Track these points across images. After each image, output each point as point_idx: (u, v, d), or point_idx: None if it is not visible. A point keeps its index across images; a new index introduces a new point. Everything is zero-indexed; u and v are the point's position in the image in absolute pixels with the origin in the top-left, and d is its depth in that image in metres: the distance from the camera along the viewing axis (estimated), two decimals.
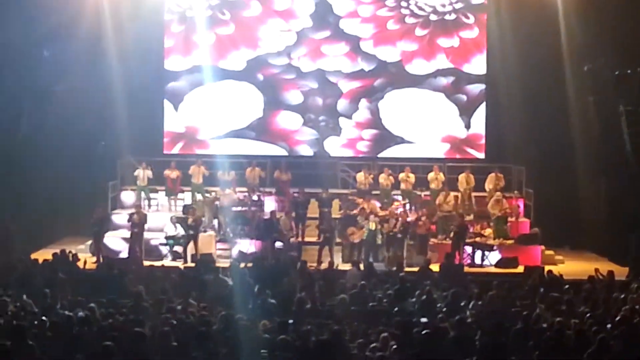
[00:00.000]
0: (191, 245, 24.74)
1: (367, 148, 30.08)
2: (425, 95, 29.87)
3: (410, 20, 29.80)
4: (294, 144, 30.18)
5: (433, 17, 29.77)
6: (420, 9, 29.76)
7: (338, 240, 25.36)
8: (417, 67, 29.83)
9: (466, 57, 29.82)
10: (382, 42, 29.92)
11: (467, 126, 29.85)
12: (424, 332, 13.88)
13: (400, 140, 29.93)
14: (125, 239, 25.14)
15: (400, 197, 27.22)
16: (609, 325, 15.02)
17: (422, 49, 29.82)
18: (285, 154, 29.94)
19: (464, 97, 29.86)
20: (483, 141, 29.87)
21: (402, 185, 27.40)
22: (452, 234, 25.01)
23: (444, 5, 29.72)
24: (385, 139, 30.00)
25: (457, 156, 29.73)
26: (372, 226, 24.67)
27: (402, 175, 27.42)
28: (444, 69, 29.80)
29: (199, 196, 27.23)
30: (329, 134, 29.98)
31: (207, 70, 29.77)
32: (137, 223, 24.80)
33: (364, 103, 29.97)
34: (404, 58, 29.85)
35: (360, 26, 29.94)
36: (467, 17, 29.70)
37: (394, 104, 30.01)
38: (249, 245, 25.15)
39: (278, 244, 24.71)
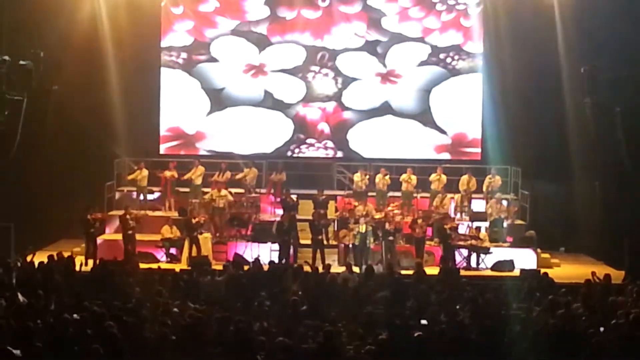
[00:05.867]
0: (187, 247, 24.74)
1: None
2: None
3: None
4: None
5: None
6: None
7: (333, 242, 25.33)
8: None
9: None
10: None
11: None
12: (420, 334, 13.88)
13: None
14: (119, 240, 25.10)
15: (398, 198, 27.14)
16: (605, 329, 15.04)
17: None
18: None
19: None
20: (471, 138, 29.92)
21: (403, 186, 27.32)
22: (442, 237, 25.00)
23: None
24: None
25: (463, 158, 29.68)
26: (363, 229, 24.47)
27: (403, 176, 27.32)
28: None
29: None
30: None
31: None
32: (131, 225, 24.82)
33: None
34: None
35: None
36: None
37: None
38: (244, 248, 25.11)
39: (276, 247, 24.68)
